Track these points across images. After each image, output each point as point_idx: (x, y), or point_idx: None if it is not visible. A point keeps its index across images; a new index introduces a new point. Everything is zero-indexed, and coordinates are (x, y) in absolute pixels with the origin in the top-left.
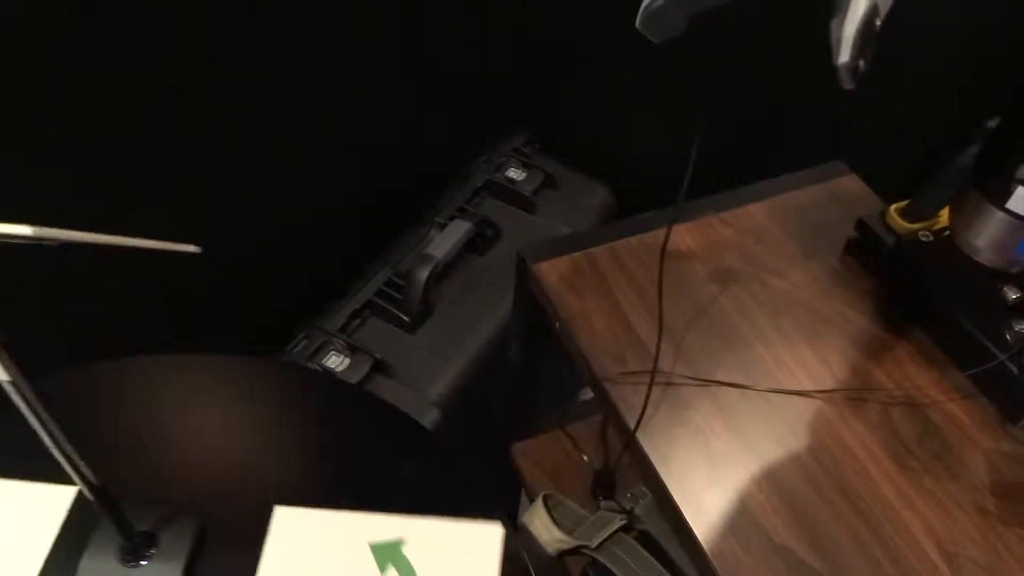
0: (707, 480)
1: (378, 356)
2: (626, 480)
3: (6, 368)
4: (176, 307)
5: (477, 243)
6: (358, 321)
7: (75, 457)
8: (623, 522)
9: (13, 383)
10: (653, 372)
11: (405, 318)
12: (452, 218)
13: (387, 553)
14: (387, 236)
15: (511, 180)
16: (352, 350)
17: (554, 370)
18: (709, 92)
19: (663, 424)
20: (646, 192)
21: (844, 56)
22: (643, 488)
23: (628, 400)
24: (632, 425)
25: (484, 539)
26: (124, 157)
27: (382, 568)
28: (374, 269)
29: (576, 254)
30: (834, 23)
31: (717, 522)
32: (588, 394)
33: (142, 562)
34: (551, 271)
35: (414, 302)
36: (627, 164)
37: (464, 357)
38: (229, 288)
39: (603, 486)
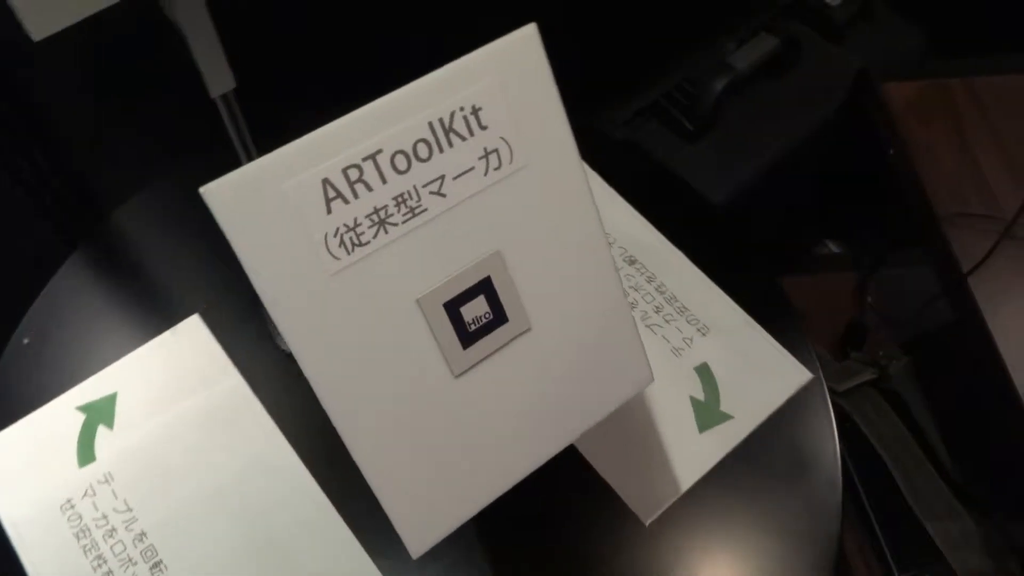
0: None
1: (655, 159)
2: (873, 343)
3: None
4: None
5: (774, 64)
6: (640, 120)
7: None
8: (873, 375)
9: None
10: (1015, 219)
11: (688, 126)
12: (755, 33)
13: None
14: (684, 42)
15: (824, 4)
16: (631, 147)
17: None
18: None
19: (1000, 274)
20: (970, 36)
21: None
22: (898, 350)
23: (963, 244)
24: (966, 268)
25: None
26: None
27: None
28: (666, 72)
29: (930, 81)
30: None
31: None
32: (825, 248)
33: None
34: (899, 93)
35: (702, 112)
36: (960, 9)
37: (740, 178)
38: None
39: (854, 338)
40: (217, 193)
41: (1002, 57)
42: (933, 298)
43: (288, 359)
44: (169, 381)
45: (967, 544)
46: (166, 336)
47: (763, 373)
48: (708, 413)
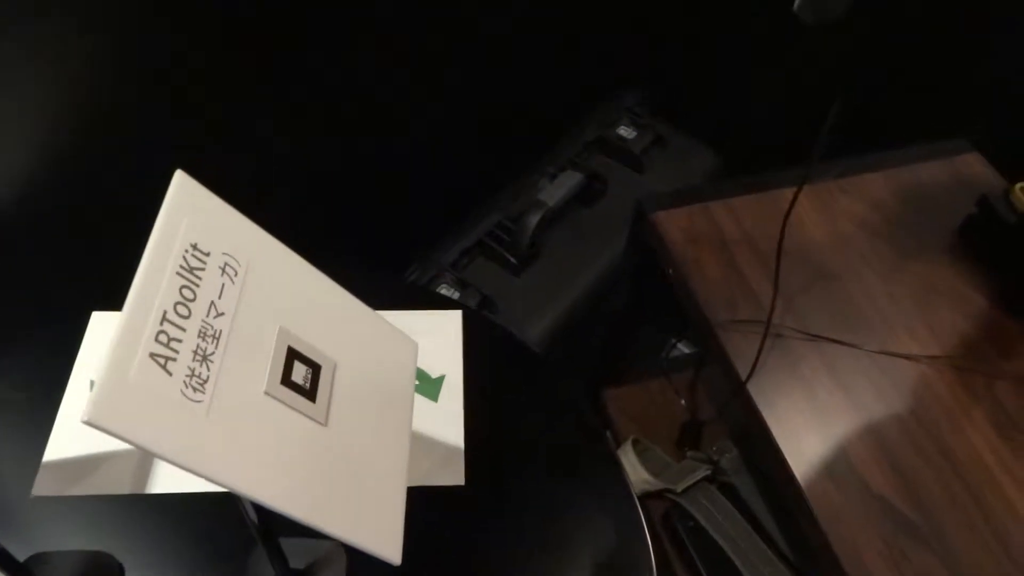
0: (809, 427)
1: (485, 293)
2: (711, 436)
3: None
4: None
5: (585, 195)
6: (468, 259)
7: None
8: (708, 471)
9: None
10: (768, 322)
11: (512, 260)
12: (563, 169)
13: None
14: (500, 182)
15: (621, 138)
16: (462, 285)
17: (644, 327)
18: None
19: (771, 372)
20: (755, 159)
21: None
22: (729, 442)
23: (737, 347)
24: (742, 371)
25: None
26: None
27: None
28: (486, 211)
29: (694, 206)
30: None
31: (816, 464)
32: (674, 351)
33: None
34: (669, 221)
35: (522, 245)
36: (738, 130)
37: (565, 302)
38: (351, 214)
39: (689, 437)
40: (98, 416)
41: (773, 173)
42: (726, 399)
43: None
44: None
45: None
46: None
47: (430, 335)
48: (429, 386)
